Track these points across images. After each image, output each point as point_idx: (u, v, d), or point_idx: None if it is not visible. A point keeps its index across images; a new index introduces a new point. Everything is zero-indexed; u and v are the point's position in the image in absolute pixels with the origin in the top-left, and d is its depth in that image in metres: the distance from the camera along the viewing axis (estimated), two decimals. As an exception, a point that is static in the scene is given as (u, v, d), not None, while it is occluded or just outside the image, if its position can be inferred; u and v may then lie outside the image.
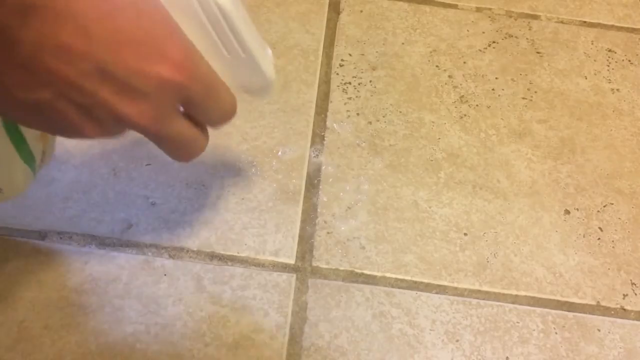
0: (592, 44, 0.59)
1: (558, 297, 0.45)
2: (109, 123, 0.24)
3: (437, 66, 0.56)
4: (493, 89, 0.55)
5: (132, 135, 0.27)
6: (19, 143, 0.32)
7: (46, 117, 0.23)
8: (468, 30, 0.59)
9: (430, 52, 0.57)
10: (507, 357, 0.42)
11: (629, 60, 0.58)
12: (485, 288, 0.45)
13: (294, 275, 0.44)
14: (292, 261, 0.45)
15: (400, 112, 0.53)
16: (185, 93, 0.25)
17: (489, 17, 0.60)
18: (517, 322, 0.43)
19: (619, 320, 0.44)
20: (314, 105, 0.53)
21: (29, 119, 0.24)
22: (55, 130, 0.25)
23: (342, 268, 0.45)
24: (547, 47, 0.58)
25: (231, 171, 0.48)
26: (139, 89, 0.23)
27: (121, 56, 0.22)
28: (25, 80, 0.21)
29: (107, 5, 0.21)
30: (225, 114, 0.30)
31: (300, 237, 0.46)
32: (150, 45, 0.22)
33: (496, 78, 0.56)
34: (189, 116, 0.28)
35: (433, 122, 0.52)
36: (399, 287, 0.44)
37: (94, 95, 0.22)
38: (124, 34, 0.21)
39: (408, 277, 0.45)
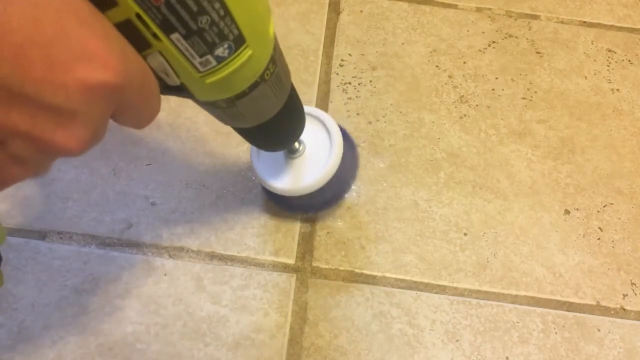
0: (592, 44, 0.59)
1: (558, 297, 0.45)
2: (33, 159, 0.18)
3: (437, 66, 0.56)
4: (493, 89, 0.55)
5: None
6: None
7: None
8: (468, 30, 0.59)
9: (430, 52, 0.57)
10: (507, 357, 0.42)
11: (629, 60, 0.58)
12: (485, 288, 0.45)
13: (294, 275, 0.44)
14: (292, 261, 0.45)
15: (400, 112, 0.53)
16: (119, 95, 0.19)
17: (489, 17, 0.60)
18: (517, 322, 0.43)
19: (619, 320, 0.44)
20: (314, 105, 0.53)
21: None
22: None
23: (342, 268, 0.45)
24: (547, 47, 0.58)
25: (231, 171, 0.48)
26: (61, 107, 0.17)
27: (23, 65, 0.16)
28: None
29: None
30: (154, 114, 0.23)
31: (300, 237, 0.46)
32: (59, 44, 0.16)
33: (496, 78, 0.56)
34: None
35: (433, 122, 0.52)
36: (399, 287, 0.44)
37: (3, 125, 0.16)
38: (19, 34, 0.15)
39: (408, 277, 0.45)
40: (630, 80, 0.57)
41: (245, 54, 0.24)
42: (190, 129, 0.50)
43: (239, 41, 0.23)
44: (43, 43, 0.16)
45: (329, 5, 0.59)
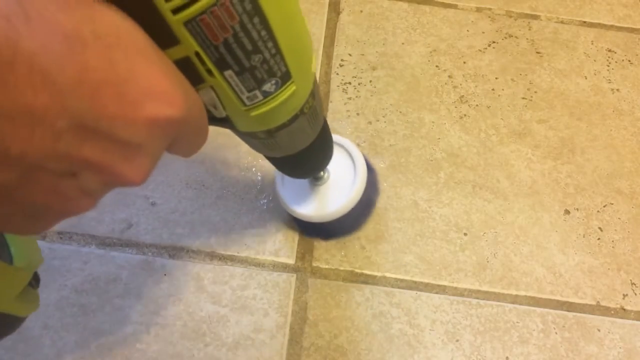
0: (592, 44, 0.59)
1: (558, 297, 0.45)
2: (99, 190, 0.19)
3: (437, 66, 0.56)
4: (493, 89, 0.55)
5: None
6: None
7: (18, 206, 0.18)
8: (468, 30, 0.59)
9: (430, 52, 0.57)
10: (507, 357, 0.42)
11: (629, 60, 0.58)
12: (485, 288, 0.45)
13: (294, 275, 0.44)
14: (292, 261, 0.45)
15: (400, 112, 0.53)
16: (179, 129, 0.20)
17: (489, 17, 0.60)
18: (517, 322, 0.43)
19: (619, 320, 0.44)
20: (314, 105, 0.53)
21: None
22: (31, 221, 0.19)
23: (342, 268, 0.45)
24: (547, 47, 0.58)
25: (231, 171, 0.48)
26: (129, 141, 0.18)
27: (99, 102, 0.16)
28: None
29: (62, 39, 0.15)
30: (203, 144, 0.24)
31: (300, 237, 0.46)
32: (130, 82, 0.17)
33: (496, 78, 0.56)
34: None
35: (433, 122, 0.52)
36: (399, 287, 0.44)
37: (77, 158, 0.17)
38: (95, 73, 0.16)
39: (408, 277, 0.45)
40: (630, 80, 0.57)
41: (290, 89, 0.25)
42: (190, 129, 0.50)
43: (286, 77, 0.24)
44: (116, 82, 0.17)
45: (329, 5, 0.59)
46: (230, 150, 0.49)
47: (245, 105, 0.24)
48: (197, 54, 0.20)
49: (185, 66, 0.20)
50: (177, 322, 0.42)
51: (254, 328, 0.42)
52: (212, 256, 0.45)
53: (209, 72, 0.21)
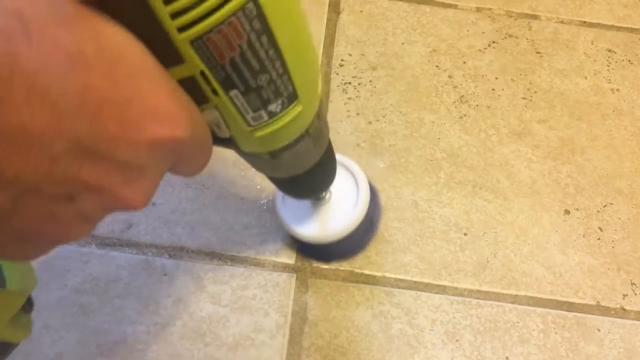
0: (592, 44, 0.59)
1: (558, 297, 0.45)
2: (97, 215, 0.18)
3: (437, 66, 0.56)
4: (493, 89, 0.55)
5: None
6: None
7: (12, 231, 0.17)
8: (468, 30, 0.59)
9: (430, 52, 0.57)
10: (507, 357, 0.42)
11: (629, 60, 0.58)
12: (485, 288, 0.45)
13: (294, 275, 0.44)
14: (292, 261, 0.45)
15: (400, 112, 0.53)
16: (182, 150, 0.19)
17: (489, 17, 0.60)
18: (517, 322, 0.43)
19: (619, 320, 0.44)
20: (314, 105, 0.53)
21: None
22: (25, 247, 0.18)
23: (342, 268, 0.45)
24: (547, 47, 0.58)
25: (231, 171, 0.48)
26: (130, 163, 0.17)
27: (100, 124, 0.16)
28: None
29: (65, 58, 0.15)
30: (206, 164, 0.23)
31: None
32: (133, 102, 0.16)
33: (496, 78, 0.56)
34: None
35: (433, 122, 0.52)
36: (399, 287, 0.44)
37: (75, 181, 0.16)
38: (98, 93, 0.15)
39: (408, 277, 0.45)
40: (630, 80, 0.57)
41: (296, 109, 0.24)
42: (190, 129, 0.50)
43: (292, 97, 0.23)
44: (119, 102, 0.16)
45: (329, 5, 0.59)
46: (230, 151, 0.49)
47: (250, 125, 0.23)
48: (202, 73, 0.20)
49: (189, 85, 0.20)
50: (177, 322, 0.42)
51: (254, 328, 0.42)
52: (212, 256, 0.45)
53: (214, 91, 0.20)
